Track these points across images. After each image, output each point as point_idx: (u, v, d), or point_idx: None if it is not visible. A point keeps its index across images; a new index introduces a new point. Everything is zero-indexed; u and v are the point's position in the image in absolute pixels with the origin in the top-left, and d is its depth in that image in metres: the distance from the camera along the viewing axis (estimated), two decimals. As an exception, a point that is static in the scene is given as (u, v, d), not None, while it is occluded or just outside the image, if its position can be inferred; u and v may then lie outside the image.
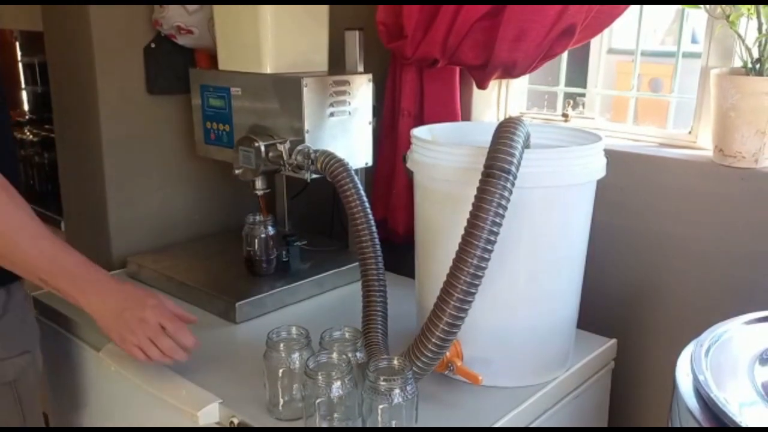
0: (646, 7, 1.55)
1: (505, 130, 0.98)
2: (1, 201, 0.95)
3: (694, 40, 1.69)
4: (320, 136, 1.40)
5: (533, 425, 1.12)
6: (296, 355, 1.02)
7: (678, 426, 0.86)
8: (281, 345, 1.03)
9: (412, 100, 1.65)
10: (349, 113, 1.45)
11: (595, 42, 1.69)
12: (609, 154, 1.15)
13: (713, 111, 1.33)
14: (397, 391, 0.91)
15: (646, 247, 1.46)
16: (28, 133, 2.23)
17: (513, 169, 0.95)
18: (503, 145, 0.96)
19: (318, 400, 0.94)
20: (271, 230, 1.45)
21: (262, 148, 1.35)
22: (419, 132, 1.21)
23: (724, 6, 1.29)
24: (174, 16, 1.52)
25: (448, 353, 1.05)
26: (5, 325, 1.04)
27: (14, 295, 1.08)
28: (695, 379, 0.84)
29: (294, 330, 1.06)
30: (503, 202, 0.93)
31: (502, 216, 0.94)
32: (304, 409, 0.97)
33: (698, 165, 1.38)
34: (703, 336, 0.95)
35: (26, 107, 2.45)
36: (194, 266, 1.53)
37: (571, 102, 1.69)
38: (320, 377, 0.94)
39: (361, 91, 1.47)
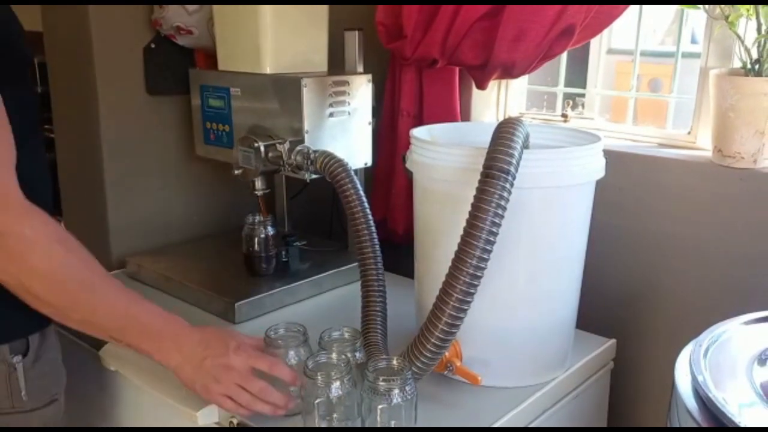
0: (645, 7, 1.55)
1: (505, 131, 0.98)
2: (64, 256, 0.91)
3: (693, 41, 1.69)
4: (320, 136, 1.40)
5: (532, 425, 1.12)
6: (293, 353, 1.03)
7: (677, 426, 0.86)
8: (279, 342, 1.03)
9: (411, 101, 1.65)
10: (349, 113, 1.45)
11: (594, 42, 1.69)
12: (608, 154, 1.15)
13: (712, 111, 1.34)
14: (396, 391, 0.92)
15: (645, 248, 1.46)
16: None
17: (512, 169, 0.95)
18: (502, 146, 0.96)
19: (317, 400, 0.95)
20: (270, 230, 1.45)
21: (262, 149, 1.35)
22: (418, 132, 1.21)
23: (723, 6, 1.29)
24: (174, 16, 1.52)
25: (447, 353, 1.05)
26: (36, 373, 1.01)
27: (48, 338, 1.05)
28: (694, 380, 0.84)
29: (292, 327, 1.07)
30: (502, 203, 0.93)
31: (502, 216, 0.94)
32: (303, 409, 0.97)
33: (697, 165, 1.39)
34: (702, 336, 0.95)
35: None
36: (193, 266, 1.53)
37: (571, 102, 1.69)
38: (319, 377, 0.94)
39: (361, 91, 1.48)
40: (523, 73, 1.53)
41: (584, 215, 1.14)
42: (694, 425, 0.80)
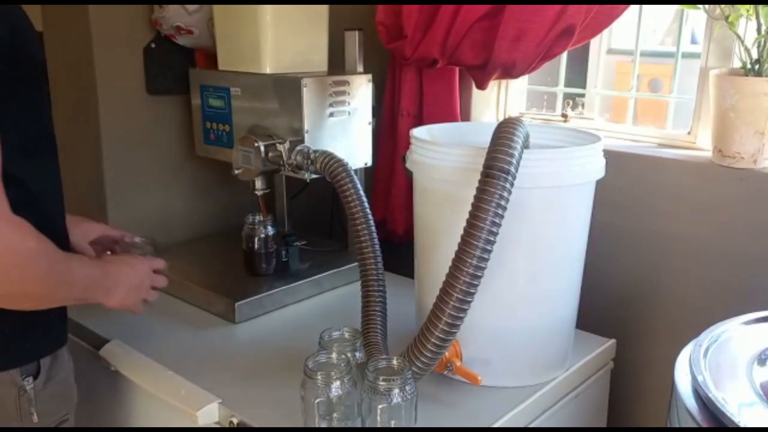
0: (645, 7, 1.55)
1: (505, 131, 0.98)
2: (36, 242, 0.90)
3: (693, 41, 1.70)
4: (320, 136, 1.40)
5: (532, 425, 1.12)
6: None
7: (677, 426, 0.86)
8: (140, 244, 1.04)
9: (411, 101, 1.65)
10: (349, 113, 1.45)
11: (594, 42, 1.69)
12: (608, 154, 1.15)
13: (712, 111, 1.34)
14: (396, 391, 0.92)
15: (645, 248, 1.46)
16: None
17: (512, 169, 0.95)
18: (502, 146, 0.96)
19: (317, 400, 0.95)
20: (270, 230, 1.45)
21: (262, 148, 1.35)
22: (418, 132, 1.21)
23: (723, 6, 1.29)
24: (174, 16, 1.52)
25: (447, 353, 1.05)
26: (47, 394, 0.99)
27: (60, 358, 1.04)
28: (694, 380, 0.84)
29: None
30: (502, 203, 0.93)
31: (502, 216, 0.94)
32: (304, 409, 0.97)
33: (697, 165, 1.39)
34: (702, 336, 0.95)
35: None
36: (193, 266, 1.53)
37: (571, 102, 1.69)
38: (319, 377, 0.94)
39: (361, 91, 1.48)
40: (523, 73, 1.53)
41: (584, 215, 1.14)
42: (694, 425, 0.80)
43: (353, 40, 1.51)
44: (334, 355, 1.00)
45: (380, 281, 1.20)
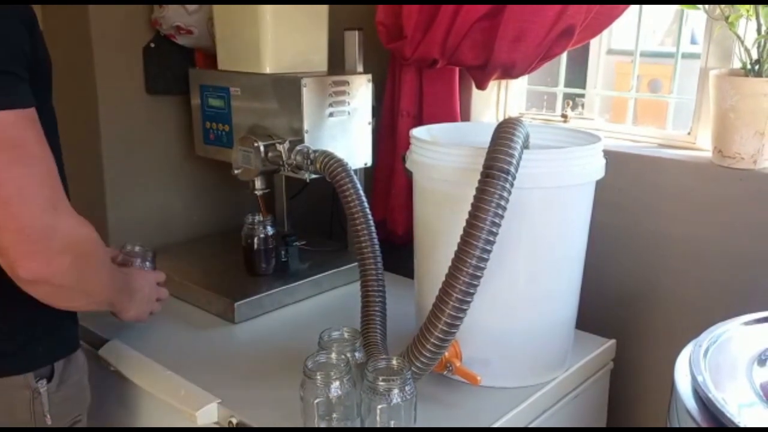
0: (645, 7, 1.55)
1: (505, 131, 0.98)
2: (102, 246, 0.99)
3: (693, 41, 1.70)
4: (319, 136, 1.40)
5: (532, 425, 1.12)
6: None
7: (677, 426, 0.86)
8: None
9: (411, 101, 1.65)
10: (349, 113, 1.45)
11: (594, 43, 1.70)
12: (608, 154, 1.15)
13: (712, 112, 1.34)
14: (395, 391, 0.91)
15: (645, 248, 1.46)
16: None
17: (512, 169, 0.95)
18: (502, 146, 0.96)
19: (316, 400, 0.94)
20: (270, 230, 1.45)
21: (262, 148, 1.35)
22: (418, 132, 1.21)
23: (723, 7, 1.29)
24: (173, 15, 1.52)
25: (446, 353, 1.05)
26: (61, 397, 1.01)
27: (74, 361, 1.05)
28: (694, 380, 0.84)
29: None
30: (502, 203, 0.93)
31: (501, 216, 0.94)
32: (303, 409, 0.97)
33: (697, 166, 1.39)
34: (702, 337, 0.95)
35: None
36: (193, 266, 1.53)
37: (571, 103, 1.69)
38: (319, 377, 0.94)
39: (361, 91, 1.47)
40: (523, 74, 1.53)
41: (584, 215, 1.14)
42: (693, 425, 0.80)
43: (353, 40, 1.51)
44: (333, 356, 1.00)
45: (380, 281, 1.20)
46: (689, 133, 1.50)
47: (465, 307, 0.94)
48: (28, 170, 0.84)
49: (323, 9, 1.50)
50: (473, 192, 0.95)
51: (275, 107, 1.40)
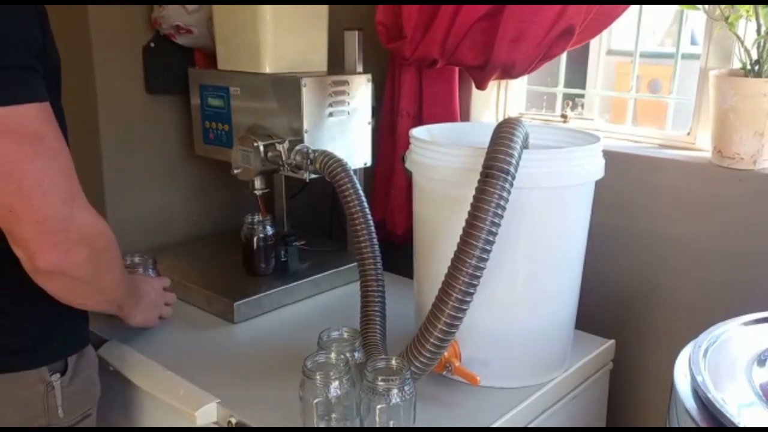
0: (645, 8, 1.55)
1: (504, 131, 0.98)
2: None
3: (693, 42, 1.70)
4: (319, 136, 1.39)
5: (531, 425, 1.12)
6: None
7: (676, 426, 0.86)
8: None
9: (411, 101, 1.65)
10: (348, 113, 1.45)
11: (594, 43, 1.69)
12: (608, 155, 1.15)
13: (712, 112, 1.34)
14: (395, 391, 0.91)
15: (644, 248, 1.46)
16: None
17: (512, 169, 0.95)
18: (502, 146, 0.96)
19: (316, 400, 0.94)
20: (269, 230, 1.45)
21: (261, 148, 1.35)
22: (418, 132, 1.21)
23: (723, 7, 1.29)
24: (173, 15, 1.52)
25: (446, 353, 1.05)
26: (73, 390, 1.03)
27: (86, 355, 1.08)
28: (693, 380, 0.84)
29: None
30: (502, 203, 0.93)
31: (501, 216, 0.94)
32: (302, 409, 0.97)
33: (697, 166, 1.39)
34: (702, 337, 0.95)
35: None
36: (192, 266, 1.53)
37: (570, 103, 1.69)
38: (318, 377, 0.94)
39: (360, 91, 1.47)
40: (522, 74, 1.53)
41: (584, 216, 1.14)
42: (693, 425, 0.80)
43: (353, 40, 1.51)
44: (333, 356, 1.00)
45: (379, 281, 1.20)
46: (689, 134, 1.50)
47: (464, 307, 0.94)
48: (48, 163, 0.86)
49: (323, 9, 1.49)
50: (473, 192, 0.95)
51: (275, 107, 1.40)
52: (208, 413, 1.06)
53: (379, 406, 0.92)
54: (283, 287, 1.42)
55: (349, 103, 1.45)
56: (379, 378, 0.92)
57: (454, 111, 1.65)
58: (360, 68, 1.52)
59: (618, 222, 1.48)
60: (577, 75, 1.76)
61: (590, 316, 1.29)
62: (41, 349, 1.00)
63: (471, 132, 1.30)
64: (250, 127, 1.44)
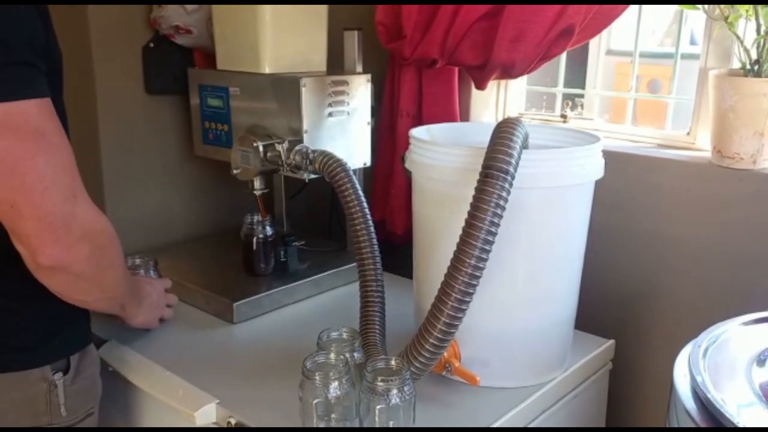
0: (644, 8, 1.55)
1: (504, 131, 0.98)
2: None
3: (692, 42, 1.70)
4: (319, 136, 1.39)
5: (531, 425, 1.12)
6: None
7: (676, 426, 0.86)
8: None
9: (410, 101, 1.65)
10: (348, 113, 1.45)
11: (593, 43, 1.69)
12: (607, 155, 1.15)
13: (712, 112, 1.33)
14: (394, 391, 0.91)
15: (644, 248, 1.46)
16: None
17: (511, 169, 0.95)
18: (501, 146, 0.96)
19: (315, 401, 0.94)
20: (269, 230, 1.45)
21: (261, 148, 1.35)
22: (417, 132, 1.21)
23: (722, 7, 1.29)
24: (172, 15, 1.52)
25: (445, 354, 1.05)
26: (75, 389, 1.04)
27: (88, 354, 1.08)
28: (693, 380, 0.84)
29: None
30: (501, 203, 0.93)
31: (500, 216, 0.93)
32: (302, 409, 0.97)
33: (696, 166, 1.38)
34: (701, 337, 0.94)
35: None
36: (192, 266, 1.53)
37: (570, 103, 1.69)
38: (318, 377, 0.94)
39: (360, 91, 1.47)
40: (522, 74, 1.53)
41: (583, 216, 1.14)
42: (692, 425, 0.80)
43: (352, 40, 1.51)
44: (332, 356, 1.00)
45: (379, 282, 1.20)
46: (688, 134, 1.50)
47: (464, 307, 0.94)
48: (50, 159, 0.86)
49: (322, 9, 1.49)
50: (472, 192, 0.95)
51: (274, 107, 1.40)
52: (208, 413, 1.06)
53: (378, 407, 0.92)
54: (282, 287, 1.42)
55: (348, 103, 1.45)
56: (379, 378, 0.92)
57: (453, 111, 1.65)
58: (359, 68, 1.52)
59: (618, 222, 1.48)
60: (577, 75, 1.76)
61: (590, 316, 1.29)
62: (44, 348, 1.00)
63: (471, 132, 1.30)
64: (250, 128, 1.44)
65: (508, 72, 1.51)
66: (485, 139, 1.00)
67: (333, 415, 0.96)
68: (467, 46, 1.50)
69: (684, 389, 0.85)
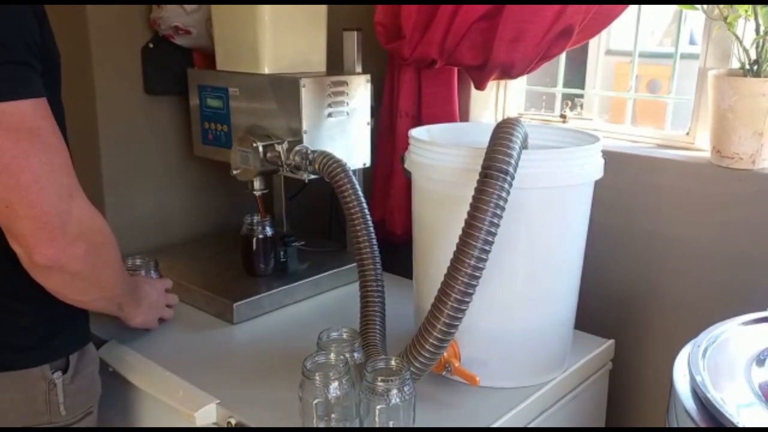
0: (644, 8, 1.55)
1: (503, 131, 0.98)
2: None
3: (692, 42, 1.69)
4: (318, 136, 1.39)
5: (531, 425, 1.12)
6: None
7: (675, 426, 0.86)
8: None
9: (410, 101, 1.65)
10: (347, 114, 1.45)
11: (593, 43, 1.69)
12: (607, 155, 1.15)
13: (711, 112, 1.34)
14: (394, 391, 0.91)
15: (643, 248, 1.46)
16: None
17: (511, 169, 0.95)
18: (501, 146, 0.96)
19: (315, 401, 0.94)
20: (269, 231, 1.45)
21: (260, 149, 1.35)
22: (417, 132, 1.21)
23: (721, 7, 1.29)
24: (172, 16, 1.52)
25: (445, 354, 1.05)
26: (75, 388, 1.04)
27: (87, 353, 1.08)
28: (692, 380, 0.84)
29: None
30: (501, 203, 0.93)
31: (500, 216, 0.94)
32: (302, 409, 0.97)
33: (696, 166, 1.39)
34: (701, 337, 0.94)
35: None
36: (192, 267, 1.53)
37: (569, 103, 1.69)
38: (318, 377, 0.94)
39: (359, 91, 1.47)
40: (521, 74, 1.53)
41: (583, 216, 1.14)
42: (692, 425, 0.80)
43: (352, 41, 1.51)
44: (332, 356, 1.00)
45: (379, 282, 1.20)
46: (688, 134, 1.50)
47: (464, 308, 0.94)
48: (46, 158, 0.87)
49: (322, 9, 1.49)
50: (472, 192, 0.95)
51: (274, 107, 1.40)
52: (208, 414, 1.06)
53: (378, 407, 0.92)
54: (282, 288, 1.42)
55: (348, 104, 1.45)
56: (379, 378, 0.92)
57: (453, 111, 1.65)
58: (359, 68, 1.52)
59: (617, 222, 1.48)
60: (576, 75, 1.76)
61: (590, 316, 1.29)
62: (43, 347, 1.00)
63: (470, 132, 1.30)
64: (249, 128, 1.44)
65: (508, 72, 1.51)
66: (485, 139, 1.00)
67: (333, 416, 0.96)
68: (466, 46, 1.50)
69: (684, 389, 0.85)
